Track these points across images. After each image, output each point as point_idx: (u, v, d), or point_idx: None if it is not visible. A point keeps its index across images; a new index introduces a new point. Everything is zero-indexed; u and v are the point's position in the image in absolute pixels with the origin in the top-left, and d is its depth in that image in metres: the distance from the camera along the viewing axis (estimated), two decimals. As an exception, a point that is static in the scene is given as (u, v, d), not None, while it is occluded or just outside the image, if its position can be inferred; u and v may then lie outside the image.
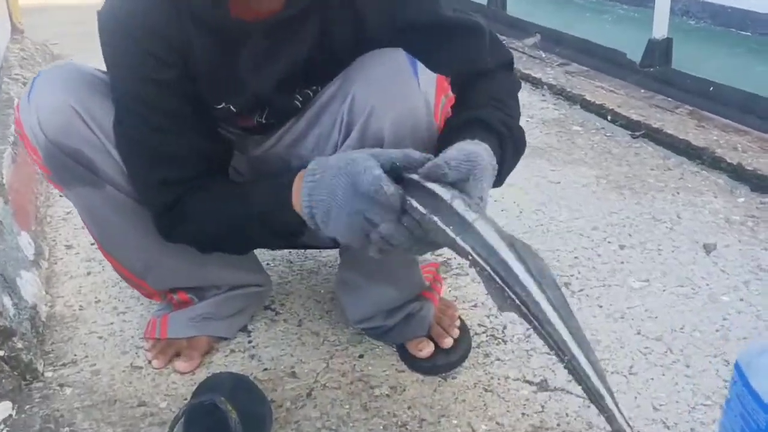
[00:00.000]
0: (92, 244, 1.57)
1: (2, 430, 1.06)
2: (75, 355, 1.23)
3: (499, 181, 0.90)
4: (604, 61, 3.03)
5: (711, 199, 1.75)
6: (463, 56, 0.99)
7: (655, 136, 2.18)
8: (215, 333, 1.22)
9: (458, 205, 0.77)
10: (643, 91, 2.57)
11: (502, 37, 3.44)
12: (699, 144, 2.06)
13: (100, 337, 1.28)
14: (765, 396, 0.68)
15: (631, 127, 2.27)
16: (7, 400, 1.10)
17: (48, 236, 1.65)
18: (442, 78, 0.96)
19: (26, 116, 0.99)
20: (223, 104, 1.03)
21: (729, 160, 1.95)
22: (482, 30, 1.01)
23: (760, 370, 0.72)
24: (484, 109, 0.95)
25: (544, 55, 3.07)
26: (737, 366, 0.73)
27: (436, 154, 0.82)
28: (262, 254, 1.45)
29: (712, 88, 2.49)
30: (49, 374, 1.18)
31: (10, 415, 1.09)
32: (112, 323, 1.32)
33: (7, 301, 1.20)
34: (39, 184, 1.85)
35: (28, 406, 1.11)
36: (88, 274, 1.49)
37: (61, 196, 1.85)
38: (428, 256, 1.45)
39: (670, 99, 2.47)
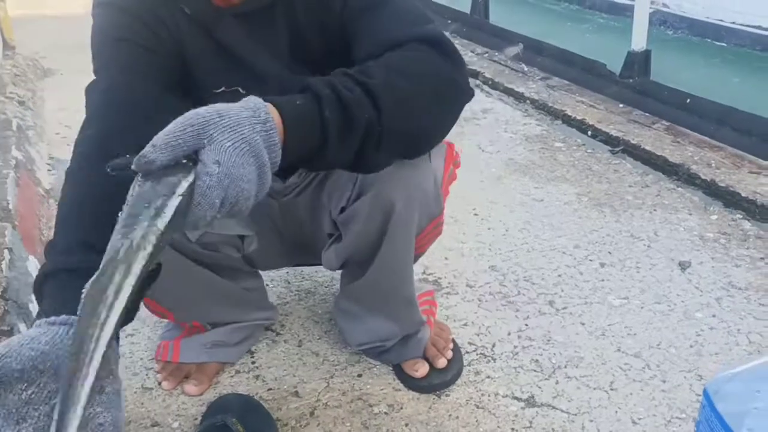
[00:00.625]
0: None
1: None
2: (87, 378, 1.29)
3: (332, 143, 0.80)
4: (585, 71, 3.12)
5: (686, 217, 1.85)
6: (384, 33, 0.95)
7: (634, 152, 2.28)
8: (225, 359, 1.29)
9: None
10: (621, 105, 2.67)
11: (484, 48, 3.50)
12: (675, 160, 2.16)
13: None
14: (728, 419, 0.77)
15: (611, 142, 2.37)
16: (26, 423, 1.16)
17: (52, 258, 1.71)
18: (452, 147, 1.04)
19: None
20: (224, 88, 1.05)
21: (703, 177, 2.05)
22: (407, 7, 0.98)
23: (727, 396, 0.80)
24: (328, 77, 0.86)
25: (526, 69, 3.16)
26: (706, 393, 0.81)
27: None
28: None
29: (689, 100, 2.59)
30: (64, 397, 1.24)
31: (30, 438, 1.15)
32: (121, 346, 1.38)
33: (23, 327, 1.27)
34: (41, 207, 1.90)
35: (46, 429, 1.17)
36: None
37: (62, 217, 1.91)
38: (424, 282, 1.54)
39: (647, 114, 2.57)
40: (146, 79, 0.96)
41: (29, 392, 0.64)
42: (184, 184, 0.67)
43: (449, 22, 4.31)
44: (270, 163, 0.72)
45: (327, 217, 1.12)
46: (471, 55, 3.43)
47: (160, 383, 1.27)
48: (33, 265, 1.53)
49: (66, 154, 2.31)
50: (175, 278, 1.12)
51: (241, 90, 1.03)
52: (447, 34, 3.44)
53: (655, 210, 1.89)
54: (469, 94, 0.95)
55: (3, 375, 0.63)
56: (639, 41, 2.92)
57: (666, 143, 2.28)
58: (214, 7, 0.99)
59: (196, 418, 1.19)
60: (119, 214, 0.68)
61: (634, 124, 2.46)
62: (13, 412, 0.63)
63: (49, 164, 2.27)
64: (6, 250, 1.43)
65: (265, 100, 0.74)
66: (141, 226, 0.66)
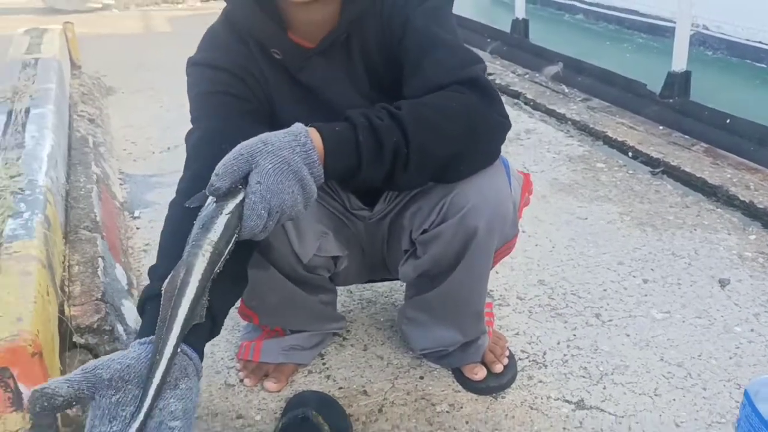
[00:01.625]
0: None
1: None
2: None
3: (365, 167, 0.96)
4: (625, 91, 3.21)
5: (725, 236, 1.94)
6: (429, 75, 1.07)
7: (674, 173, 2.37)
8: (300, 361, 1.43)
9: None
10: (661, 127, 2.76)
11: (525, 69, 3.58)
12: (714, 182, 2.24)
13: (195, 359, 1.48)
14: (766, 415, 0.88)
15: (651, 163, 2.46)
16: (127, 412, 1.31)
17: (133, 267, 1.86)
18: (528, 177, 1.17)
19: None
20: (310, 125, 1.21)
21: (742, 198, 2.13)
22: (455, 49, 1.09)
23: (766, 397, 0.91)
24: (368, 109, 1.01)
25: (567, 90, 3.26)
26: (746, 394, 0.92)
27: None
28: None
29: (729, 121, 2.67)
30: (156, 391, 1.38)
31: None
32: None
33: (120, 329, 1.41)
34: (119, 219, 2.06)
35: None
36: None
37: (138, 228, 2.07)
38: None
39: (686, 136, 2.65)
40: (238, 120, 1.10)
41: (117, 397, 0.80)
42: (230, 205, 0.87)
43: (489, 40, 4.41)
44: (312, 177, 0.90)
45: (406, 237, 1.24)
46: (512, 75, 3.55)
47: (242, 380, 1.41)
48: (120, 273, 1.69)
49: (133, 169, 2.49)
50: (269, 290, 1.27)
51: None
52: (486, 52, 3.53)
53: (695, 230, 1.98)
54: (504, 126, 1.08)
55: (96, 383, 0.80)
56: (679, 62, 3.00)
57: (705, 165, 2.37)
58: (301, 48, 1.13)
59: (276, 412, 1.32)
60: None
61: (673, 146, 2.55)
62: (106, 413, 0.80)
63: (120, 179, 2.44)
64: (99, 259, 1.59)
65: (310, 125, 0.91)
66: (198, 239, 0.86)
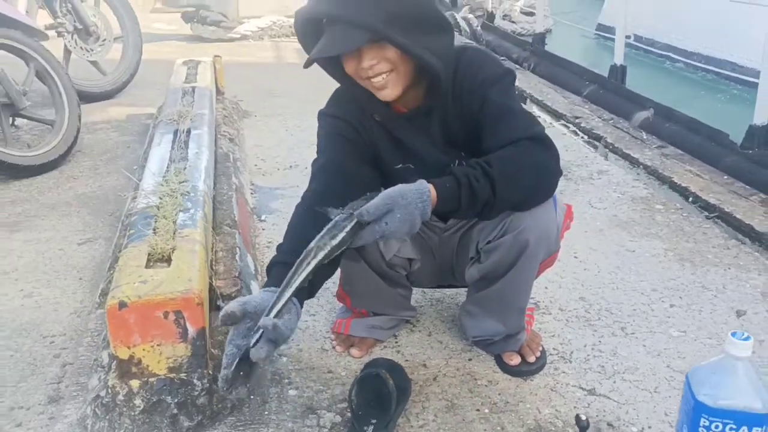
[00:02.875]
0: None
1: (248, 377, 1.75)
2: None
3: (461, 212, 1.42)
4: (708, 139, 3.47)
5: (755, 276, 2.23)
6: (504, 134, 1.48)
7: (726, 218, 2.65)
8: (379, 337, 1.89)
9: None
10: (725, 177, 3.03)
11: (611, 114, 3.88)
12: (761, 229, 2.52)
13: (300, 329, 1.96)
14: (696, 389, 1.23)
15: (708, 209, 2.75)
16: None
17: (258, 259, 2.38)
18: (570, 208, 1.64)
19: None
20: (401, 165, 1.68)
21: (782, 245, 2.40)
22: (521, 115, 1.53)
23: (701, 381, 1.26)
24: (467, 166, 1.42)
25: (645, 137, 3.57)
26: (687, 377, 1.27)
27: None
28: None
29: None
30: (272, 348, 1.87)
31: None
32: (306, 321, 2.01)
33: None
34: (250, 221, 2.60)
35: (263, 366, 1.79)
36: (288, 287, 2.20)
37: (263, 229, 2.60)
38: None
39: (747, 186, 2.91)
40: (349, 157, 1.63)
41: (250, 324, 1.38)
42: (348, 226, 1.35)
43: (587, 83, 4.73)
44: (420, 222, 1.37)
45: (473, 246, 1.67)
46: (597, 120, 3.88)
47: (334, 347, 1.87)
48: (250, 261, 2.20)
49: (261, 181, 3.04)
50: (360, 279, 1.75)
51: (411, 166, 1.66)
52: (582, 96, 3.88)
53: (729, 268, 2.28)
54: (559, 174, 1.52)
55: (242, 311, 1.36)
56: (761, 116, 3.24)
57: (757, 213, 2.64)
58: (395, 113, 1.61)
59: (356, 371, 1.76)
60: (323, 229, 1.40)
61: (732, 195, 2.83)
62: (242, 333, 1.37)
63: (251, 189, 2.99)
64: (237, 248, 2.10)
65: (429, 181, 1.37)
66: (324, 239, 1.38)
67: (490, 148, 1.49)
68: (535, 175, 1.46)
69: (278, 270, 1.47)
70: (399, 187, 1.35)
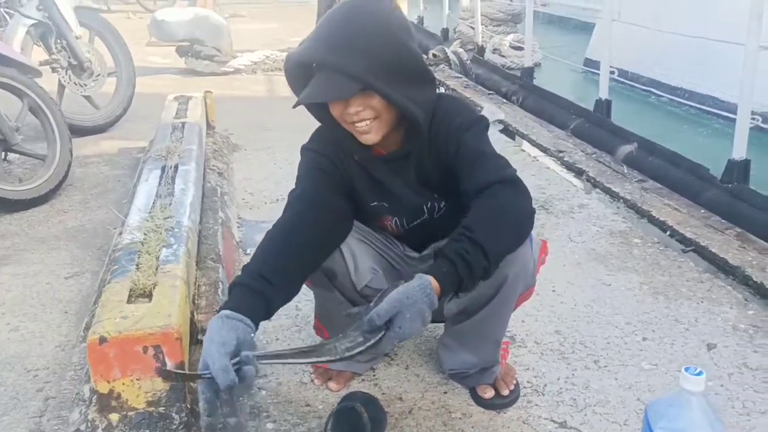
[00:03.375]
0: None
1: (227, 410, 1.79)
2: (265, 371, 1.96)
3: (464, 287, 1.46)
4: (689, 173, 3.54)
5: (727, 309, 2.28)
6: (478, 176, 1.57)
7: (702, 252, 2.71)
8: (357, 370, 1.93)
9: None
10: (703, 211, 3.09)
11: (594, 149, 3.95)
12: (734, 263, 2.57)
13: (280, 362, 2.00)
14: (653, 422, 1.28)
15: (684, 242, 2.81)
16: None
17: (242, 291, 2.42)
18: (545, 243, 1.72)
19: None
20: (376, 202, 1.75)
21: (755, 279, 2.46)
22: (494, 158, 1.59)
23: (661, 414, 1.31)
24: (453, 241, 1.45)
25: (626, 171, 3.64)
26: (646, 410, 1.32)
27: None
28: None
29: None
30: (251, 381, 1.91)
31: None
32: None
33: (230, 333, 1.95)
34: (236, 254, 2.65)
35: (241, 399, 1.83)
36: (269, 321, 2.22)
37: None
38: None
39: (723, 220, 2.97)
40: (325, 189, 1.67)
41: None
42: (373, 341, 1.39)
43: (574, 117, 4.82)
44: (431, 313, 1.38)
45: None
46: (581, 154, 3.96)
47: (312, 380, 1.91)
48: (233, 295, 2.24)
49: (248, 215, 3.10)
50: (335, 311, 1.78)
51: (385, 204, 1.73)
52: (568, 130, 3.95)
53: (702, 302, 2.33)
54: (534, 212, 1.57)
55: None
56: (739, 151, 3.32)
57: (732, 247, 2.70)
58: (373, 155, 1.68)
59: (333, 404, 1.80)
60: (347, 331, 1.44)
61: (708, 229, 2.89)
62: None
63: (238, 222, 3.05)
64: (220, 282, 2.15)
65: (426, 271, 1.42)
66: (345, 346, 1.42)
67: (465, 191, 1.57)
68: (515, 223, 1.52)
69: (239, 292, 1.51)
70: (402, 289, 1.39)
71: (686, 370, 1.27)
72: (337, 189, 1.70)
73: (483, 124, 1.67)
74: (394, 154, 1.68)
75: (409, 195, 1.72)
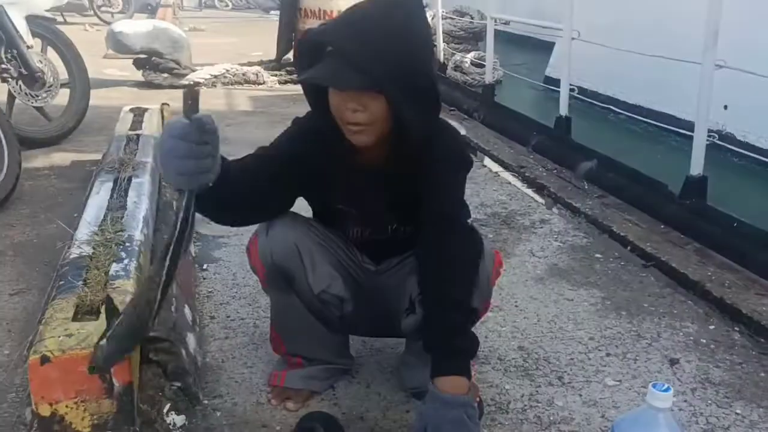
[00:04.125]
0: (228, 317, 2.26)
1: (179, 433, 1.71)
2: (221, 392, 1.88)
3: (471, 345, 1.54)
4: (649, 189, 3.57)
5: (688, 324, 2.28)
6: (438, 204, 1.59)
7: (662, 267, 2.72)
8: (315, 389, 1.86)
9: None
10: (662, 226, 3.11)
11: (554, 165, 3.96)
12: (694, 278, 2.58)
13: (236, 382, 1.92)
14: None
15: (645, 257, 2.82)
16: (183, 414, 1.75)
17: (197, 309, 2.33)
18: (498, 255, 1.70)
19: (262, 245, 1.67)
20: (344, 207, 1.71)
21: (714, 294, 2.46)
22: (459, 198, 1.65)
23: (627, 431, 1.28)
24: (454, 330, 1.50)
25: (587, 187, 3.66)
26: (612, 428, 1.29)
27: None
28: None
29: (735, 224, 2.98)
30: (206, 402, 1.83)
31: (185, 424, 1.73)
32: (243, 373, 1.97)
33: (183, 353, 1.87)
34: (191, 270, 2.56)
35: (194, 420, 1.75)
36: (226, 338, 2.16)
37: (204, 278, 2.56)
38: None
39: (683, 236, 3.00)
40: (283, 177, 1.61)
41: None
42: None
43: (534, 133, 4.84)
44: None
45: (407, 297, 1.69)
46: (542, 170, 3.97)
47: (269, 400, 1.84)
48: (187, 311, 2.16)
49: (205, 230, 3.00)
50: (295, 320, 1.72)
51: (353, 211, 1.71)
52: (530, 146, 3.93)
53: (664, 317, 2.33)
54: (483, 247, 1.63)
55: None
56: (696, 167, 3.35)
57: (691, 262, 2.71)
58: (354, 160, 1.64)
59: (291, 425, 1.73)
60: None
61: (668, 244, 2.90)
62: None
63: (194, 237, 2.95)
64: (174, 299, 2.07)
65: (454, 371, 1.47)
66: None
67: (424, 213, 1.60)
68: (477, 269, 1.59)
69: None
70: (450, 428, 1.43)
71: (653, 386, 1.24)
72: (287, 176, 1.62)
73: (468, 165, 1.69)
74: (374, 167, 1.64)
75: (378, 212, 1.70)
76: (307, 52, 1.52)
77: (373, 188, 1.67)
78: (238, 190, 1.48)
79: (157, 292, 1.32)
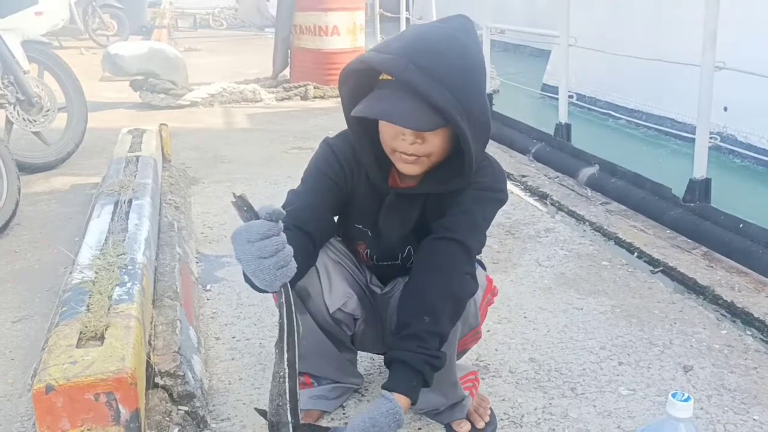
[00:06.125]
0: (233, 338, 2.23)
1: (187, 458, 1.67)
2: (229, 414, 1.84)
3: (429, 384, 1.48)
4: (652, 193, 3.54)
5: (700, 330, 2.24)
6: (455, 225, 1.55)
7: (670, 273, 2.69)
8: (326, 408, 1.82)
9: None
10: (669, 231, 3.09)
11: (557, 173, 3.95)
12: (704, 283, 2.56)
13: (244, 404, 1.89)
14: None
15: (652, 263, 2.79)
16: (191, 439, 1.72)
17: (202, 330, 2.30)
18: (491, 281, 1.67)
19: None
20: (361, 226, 1.69)
21: (725, 298, 2.44)
22: (479, 228, 1.60)
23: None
24: (416, 342, 1.46)
25: (590, 194, 3.64)
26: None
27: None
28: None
29: (741, 225, 2.95)
30: (213, 425, 1.79)
31: (193, 449, 1.70)
32: (251, 394, 1.94)
33: (189, 376, 1.84)
34: (194, 290, 2.53)
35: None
36: (232, 359, 2.12)
37: (208, 299, 2.54)
38: (467, 363, 2.01)
39: (689, 240, 2.97)
40: (323, 198, 1.60)
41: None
42: None
43: (534, 141, 4.82)
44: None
45: None
46: (544, 178, 3.95)
47: (279, 422, 1.80)
48: (192, 334, 2.13)
49: (207, 250, 2.98)
50: (305, 339, 1.68)
51: (369, 233, 1.69)
52: (530, 154, 3.91)
53: (675, 323, 2.29)
54: (476, 287, 1.60)
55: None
56: (700, 170, 3.33)
57: (700, 267, 2.69)
58: (388, 184, 1.62)
59: (302, 447, 1.70)
60: None
61: (675, 249, 2.88)
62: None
63: (197, 257, 2.93)
64: (178, 321, 2.04)
65: (392, 388, 1.43)
66: None
67: (438, 226, 1.57)
68: (461, 303, 1.55)
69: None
70: (368, 417, 1.39)
71: (673, 396, 1.21)
72: (334, 200, 1.63)
73: (501, 200, 1.65)
74: (410, 190, 1.62)
75: (394, 238, 1.67)
76: (355, 77, 1.48)
77: (399, 211, 1.65)
78: (311, 251, 1.54)
79: (285, 386, 1.39)
